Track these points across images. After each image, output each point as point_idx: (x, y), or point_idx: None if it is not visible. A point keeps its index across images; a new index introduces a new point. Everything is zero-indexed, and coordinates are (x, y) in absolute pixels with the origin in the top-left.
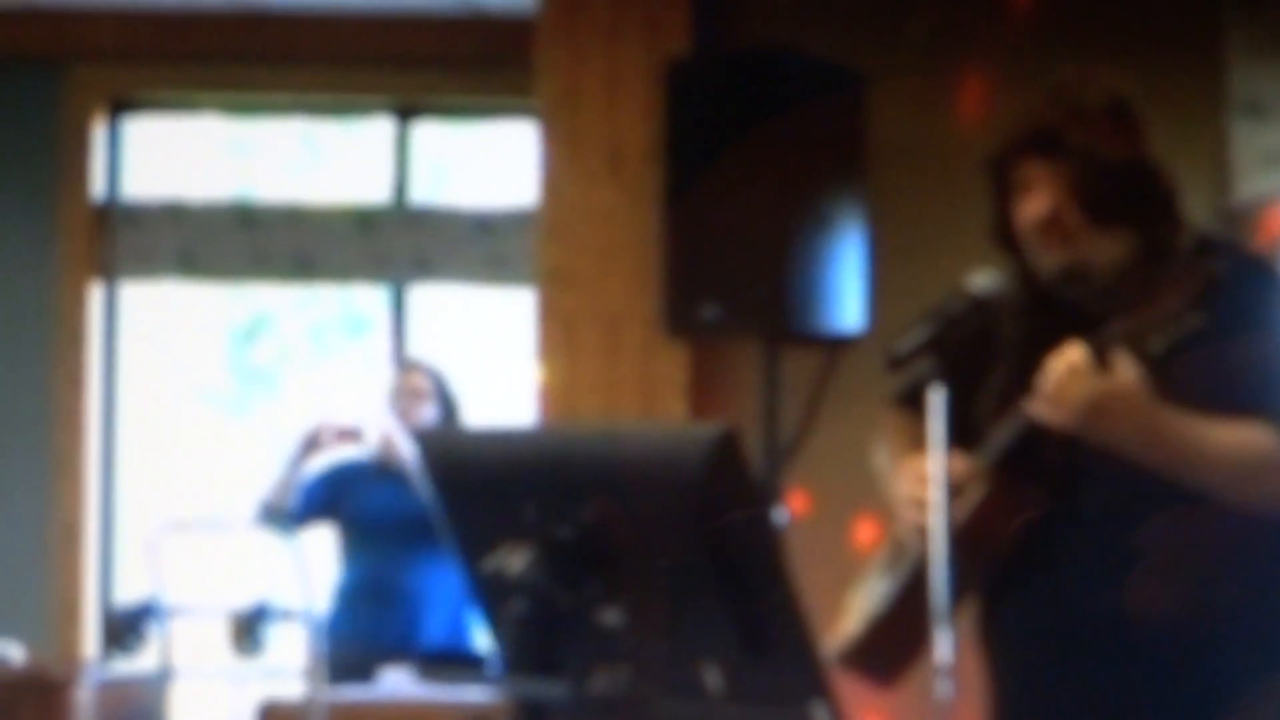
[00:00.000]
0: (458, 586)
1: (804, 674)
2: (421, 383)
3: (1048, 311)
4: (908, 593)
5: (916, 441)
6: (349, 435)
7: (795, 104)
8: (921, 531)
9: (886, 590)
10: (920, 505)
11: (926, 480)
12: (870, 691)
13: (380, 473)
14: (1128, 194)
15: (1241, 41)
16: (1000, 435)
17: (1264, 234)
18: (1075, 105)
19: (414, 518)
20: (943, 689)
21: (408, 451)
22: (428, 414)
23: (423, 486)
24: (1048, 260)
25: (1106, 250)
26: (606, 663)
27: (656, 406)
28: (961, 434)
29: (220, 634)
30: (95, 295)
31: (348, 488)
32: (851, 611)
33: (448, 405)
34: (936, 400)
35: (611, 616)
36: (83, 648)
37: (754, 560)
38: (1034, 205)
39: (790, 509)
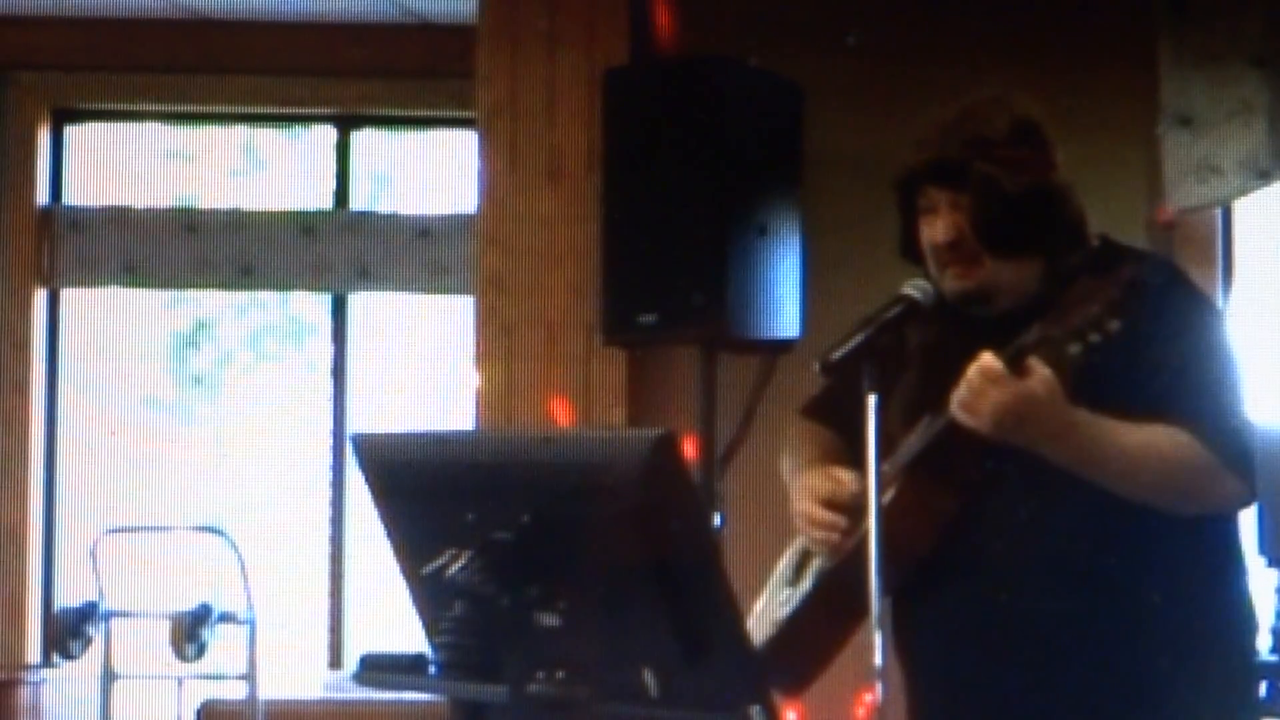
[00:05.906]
0: None
1: (741, 679)
2: None
3: (954, 319)
4: (813, 603)
5: (822, 450)
6: None
7: (733, 113)
8: (822, 546)
9: (792, 601)
10: (816, 524)
11: (820, 498)
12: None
13: None
14: (1029, 224)
15: (1173, 54)
16: (914, 440)
17: (1188, 243)
18: (979, 135)
19: None
20: (878, 691)
21: None
22: None
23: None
24: (950, 283)
25: (1009, 276)
26: (545, 666)
27: (595, 412)
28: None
29: (162, 637)
30: (38, 301)
31: None
32: (756, 620)
33: None
34: (871, 405)
35: (550, 620)
36: (26, 650)
37: (692, 565)
38: (936, 232)
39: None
